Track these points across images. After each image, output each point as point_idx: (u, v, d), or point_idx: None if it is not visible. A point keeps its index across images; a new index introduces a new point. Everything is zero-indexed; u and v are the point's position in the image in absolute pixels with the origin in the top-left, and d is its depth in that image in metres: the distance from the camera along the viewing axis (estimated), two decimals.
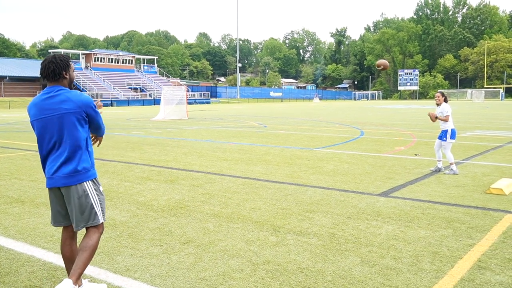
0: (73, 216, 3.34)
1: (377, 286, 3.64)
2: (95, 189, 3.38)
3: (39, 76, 3.49)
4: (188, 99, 36.04)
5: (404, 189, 7.25)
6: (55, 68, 3.30)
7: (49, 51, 79.54)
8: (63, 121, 3.26)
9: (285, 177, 8.33)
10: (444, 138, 8.87)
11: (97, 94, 65.80)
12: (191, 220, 5.50)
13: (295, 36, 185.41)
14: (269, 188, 7.36)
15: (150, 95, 73.37)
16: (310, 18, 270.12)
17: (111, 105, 62.82)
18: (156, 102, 60.44)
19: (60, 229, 4.36)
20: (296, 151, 12.14)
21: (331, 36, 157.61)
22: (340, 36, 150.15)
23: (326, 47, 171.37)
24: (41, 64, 3.36)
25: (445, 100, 9.07)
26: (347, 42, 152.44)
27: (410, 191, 7.13)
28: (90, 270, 3.96)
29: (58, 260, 4.19)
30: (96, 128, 3.55)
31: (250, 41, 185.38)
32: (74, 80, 3.75)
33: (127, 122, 26.11)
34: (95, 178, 3.41)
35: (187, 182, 7.84)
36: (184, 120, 27.65)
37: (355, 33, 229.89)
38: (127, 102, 66.31)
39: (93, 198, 3.34)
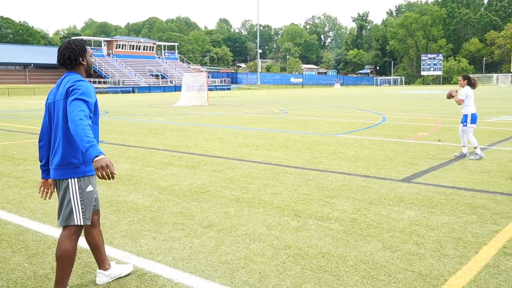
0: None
1: (399, 271, 3.61)
2: (78, 188, 3.10)
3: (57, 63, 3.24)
4: (208, 86, 36.10)
5: (427, 175, 7.15)
6: (70, 54, 3.14)
7: (72, 38, 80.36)
8: (58, 108, 3.10)
9: (306, 162, 8.30)
10: (465, 123, 8.73)
11: (119, 81, 66.53)
12: (213, 205, 5.54)
13: (316, 21, 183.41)
14: (290, 173, 7.35)
15: (171, 82, 73.81)
16: (331, 3, 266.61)
17: (133, 92, 63.43)
18: (177, 88, 60.76)
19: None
20: (317, 137, 12.08)
21: (353, 20, 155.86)
22: (361, 20, 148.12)
23: (348, 32, 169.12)
24: (58, 51, 3.20)
25: (470, 84, 8.86)
26: (369, 27, 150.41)
27: (433, 177, 7.04)
28: (114, 252, 4.03)
29: (84, 243, 4.27)
30: None
31: (271, 26, 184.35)
32: (95, 66, 3.61)
33: (149, 108, 26.32)
34: (84, 176, 3.12)
35: (208, 168, 7.88)
36: (205, 106, 27.74)
37: (377, 17, 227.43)
38: (148, 89, 66.87)
39: (73, 197, 3.09)
